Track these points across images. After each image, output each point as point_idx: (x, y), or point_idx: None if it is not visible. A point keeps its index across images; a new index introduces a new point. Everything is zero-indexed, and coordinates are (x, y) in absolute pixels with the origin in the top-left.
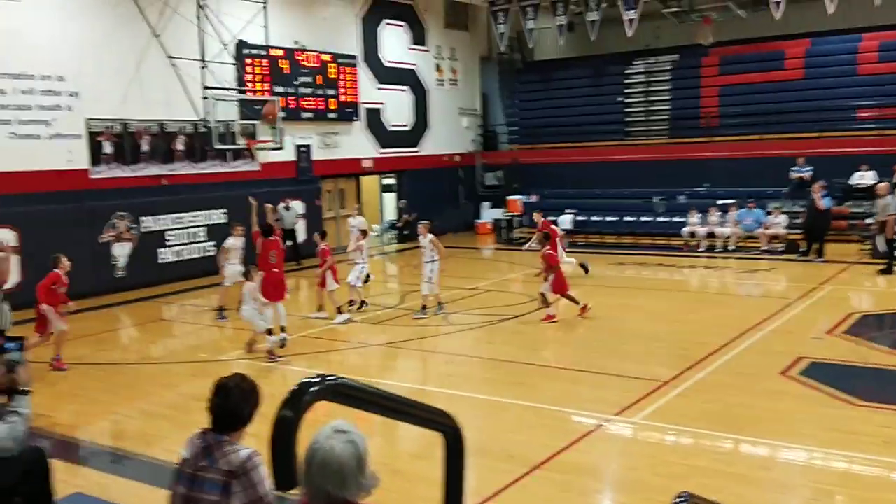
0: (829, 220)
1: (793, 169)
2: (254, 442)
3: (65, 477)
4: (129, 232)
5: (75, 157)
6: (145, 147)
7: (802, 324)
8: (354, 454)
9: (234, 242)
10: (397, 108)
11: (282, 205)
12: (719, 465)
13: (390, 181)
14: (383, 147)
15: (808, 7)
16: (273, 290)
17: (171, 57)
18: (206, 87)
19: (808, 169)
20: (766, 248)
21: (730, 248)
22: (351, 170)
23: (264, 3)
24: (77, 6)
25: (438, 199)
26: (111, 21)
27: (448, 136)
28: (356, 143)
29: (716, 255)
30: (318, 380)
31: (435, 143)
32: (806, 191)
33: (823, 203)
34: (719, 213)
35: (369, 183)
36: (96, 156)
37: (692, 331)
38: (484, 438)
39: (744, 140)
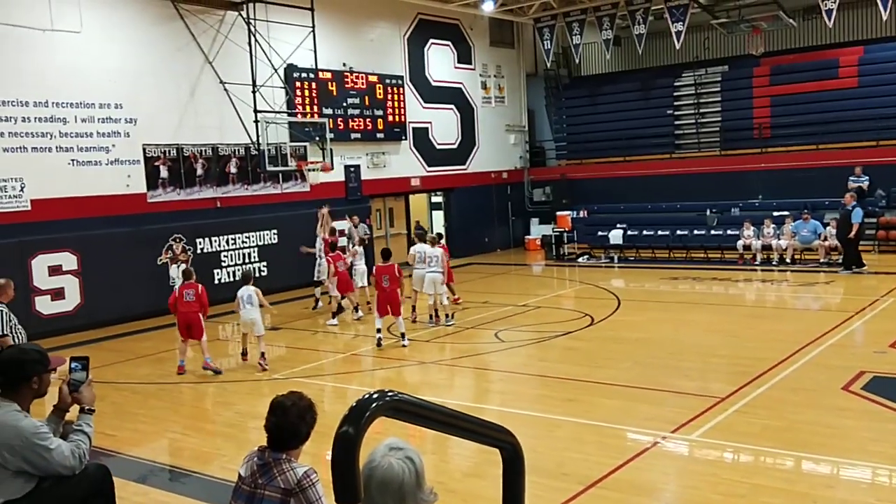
0: (860, 232)
1: (850, 179)
2: (309, 460)
3: (125, 494)
4: (184, 254)
5: (133, 181)
6: (200, 171)
7: (864, 337)
8: (413, 470)
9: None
10: (444, 126)
11: (348, 223)
12: (781, 483)
13: (438, 199)
14: (431, 165)
15: (861, 14)
16: (381, 307)
17: (223, 82)
18: (258, 111)
19: (865, 178)
20: (824, 260)
21: (786, 260)
22: (399, 189)
23: (312, 27)
24: (134, 36)
25: (487, 216)
26: (167, 49)
27: (495, 154)
28: (404, 163)
29: (772, 268)
30: (378, 396)
31: (483, 161)
32: (862, 201)
33: (854, 215)
34: (774, 225)
35: (418, 201)
36: (153, 180)
37: (749, 346)
38: (538, 456)
39: (798, 151)
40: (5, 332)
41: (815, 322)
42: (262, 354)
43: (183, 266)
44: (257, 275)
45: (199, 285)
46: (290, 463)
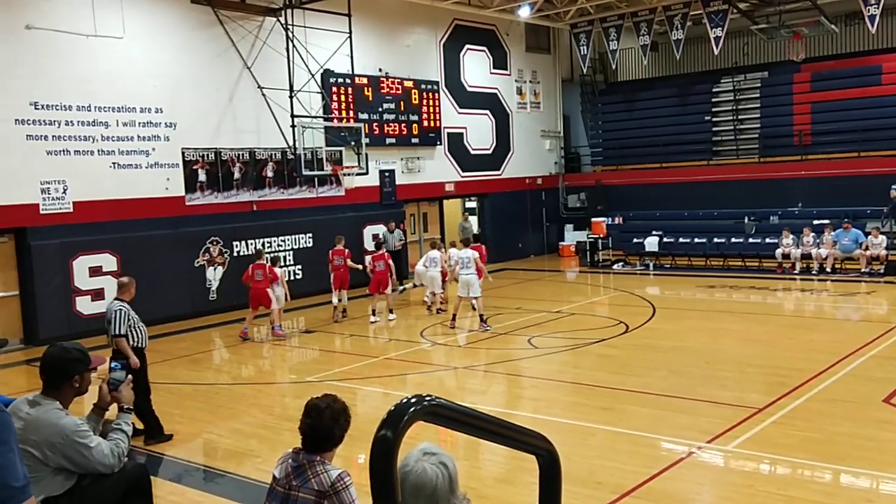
0: None
1: (893, 187)
2: (342, 462)
3: (162, 493)
4: (221, 256)
5: (172, 184)
6: (237, 174)
7: None
8: (446, 476)
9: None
10: (479, 131)
11: (384, 228)
12: (819, 496)
13: (473, 204)
14: (465, 171)
15: None
16: (375, 286)
17: (261, 87)
18: (294, 116)
19: None
20: (865, 269)
21: (826, 270)
22: (434, 194)
23: (349, 33)
24: (174, 42)
25: (522, 222)
26: (206, 55)
27: (530, 159)
28: (439, 168)
29: (811, 277)
30: (416, 400)
31: (517, 166)
32: None
33: None
34: (814, 233)
35: (451, 206)
36: (191, 183)
37: (787, 356)
38: (570, 464)
39: (839, 158)
40: (122, 332)
41: (856, 333)
42: (279, 325)
43: (220, 269)
44: (291, 278)
45: (268, 265)
46: (324, 465)
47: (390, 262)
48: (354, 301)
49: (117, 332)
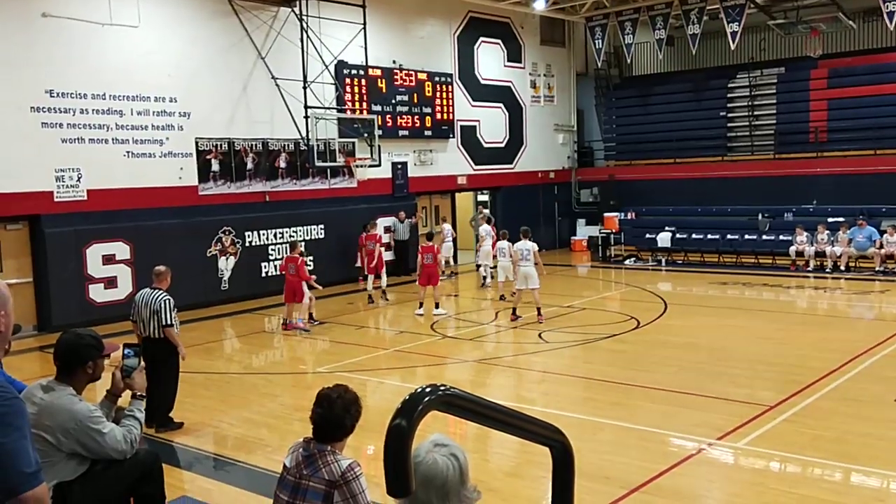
0: None
1: None
2: (351, 453)
3: (172, 481)
4: (233, 246)
5: (186, 174)
6: (250, 165)
7: None
8: (457, 467)
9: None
10: (492, 125)
11: (394, 218)
12: (829, 494)
13: (485, 198)
14: (478, 164)
15: None
16: (425, 279)
17: (275, 78)
18: (308, 107)
19: None
20: (879, 268)
21: (840, 268)
22: (446, 186)
23: (364, 24)
24: (190, 31)
25: (534, 216)
26: (221, 45)
27: (543, 153)
28: (451, 161)
29: (825, 275)
30: (430, 389)
31: (530, 160)
32: None
33: None
34: (829, 231)
35: (464, 200)
36: (204, 173)
37: (800, 354)
38: (580, 458)
39: (855, 155)
40: (172, 322)
41: (870, 331)
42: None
43: (231, 259)
44: None
45: (300, 258)
46: (334, 455)
47: (439, 255)
48: (361, 293)
49: (167, 321)
